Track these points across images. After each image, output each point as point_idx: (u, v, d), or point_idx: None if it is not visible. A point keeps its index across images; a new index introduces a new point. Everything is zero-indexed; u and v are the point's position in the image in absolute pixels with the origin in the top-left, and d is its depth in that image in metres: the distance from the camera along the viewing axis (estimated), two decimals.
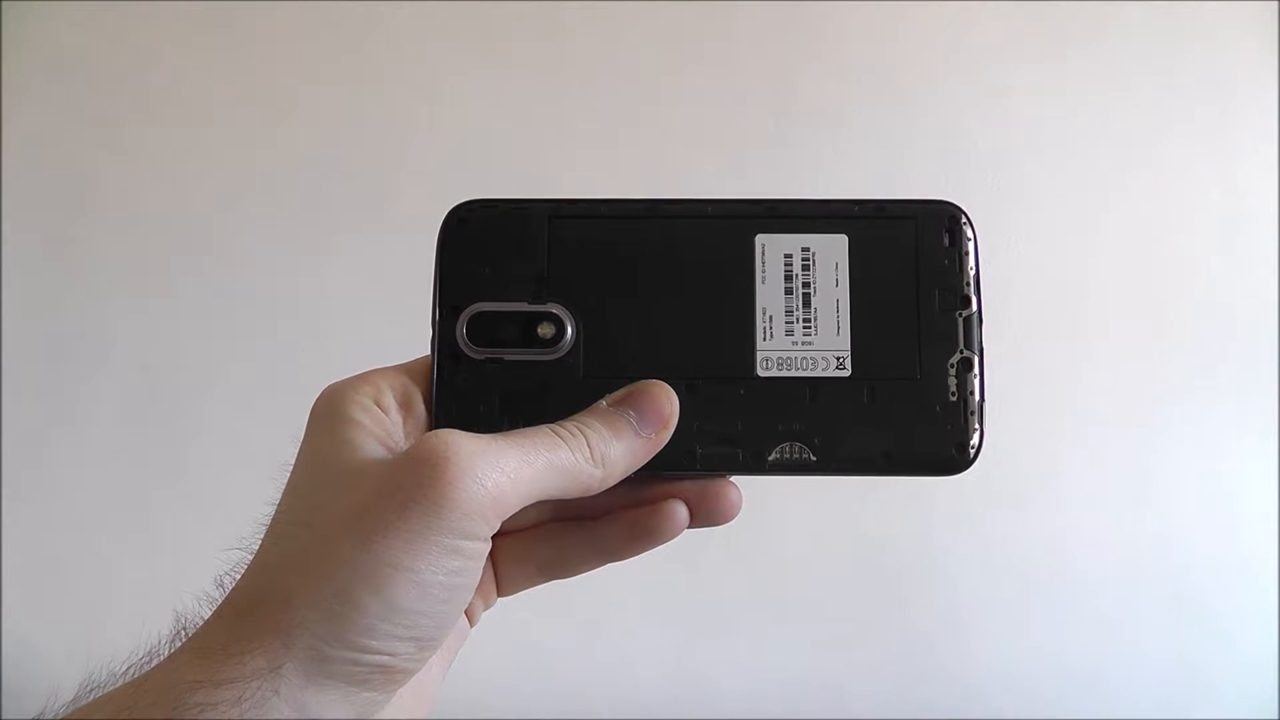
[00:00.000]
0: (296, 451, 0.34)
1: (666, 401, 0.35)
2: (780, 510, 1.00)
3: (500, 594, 0.39)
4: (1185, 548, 1.00)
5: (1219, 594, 1.00)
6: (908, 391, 0.36)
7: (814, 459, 0.36)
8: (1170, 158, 1.05)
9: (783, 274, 0.37)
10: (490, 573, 0.38)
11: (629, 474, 0.34)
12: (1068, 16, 1.06)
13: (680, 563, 1.00)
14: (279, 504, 0.33)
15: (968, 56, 1.07)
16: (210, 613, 0.31)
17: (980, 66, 1.07)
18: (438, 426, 0.35)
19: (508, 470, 0.31)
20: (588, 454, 0.33)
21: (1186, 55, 1.06)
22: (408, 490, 0.30)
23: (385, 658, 0.30)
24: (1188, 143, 1.05)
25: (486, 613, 0.39)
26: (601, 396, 0.35)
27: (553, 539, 0.38)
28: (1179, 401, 1.02)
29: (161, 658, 0.31)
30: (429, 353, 0.37)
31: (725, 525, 0.37)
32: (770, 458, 0.36)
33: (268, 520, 0.32)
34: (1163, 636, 1.00)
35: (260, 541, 0.32)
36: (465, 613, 0.38)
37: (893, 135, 1.06)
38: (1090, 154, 1.05)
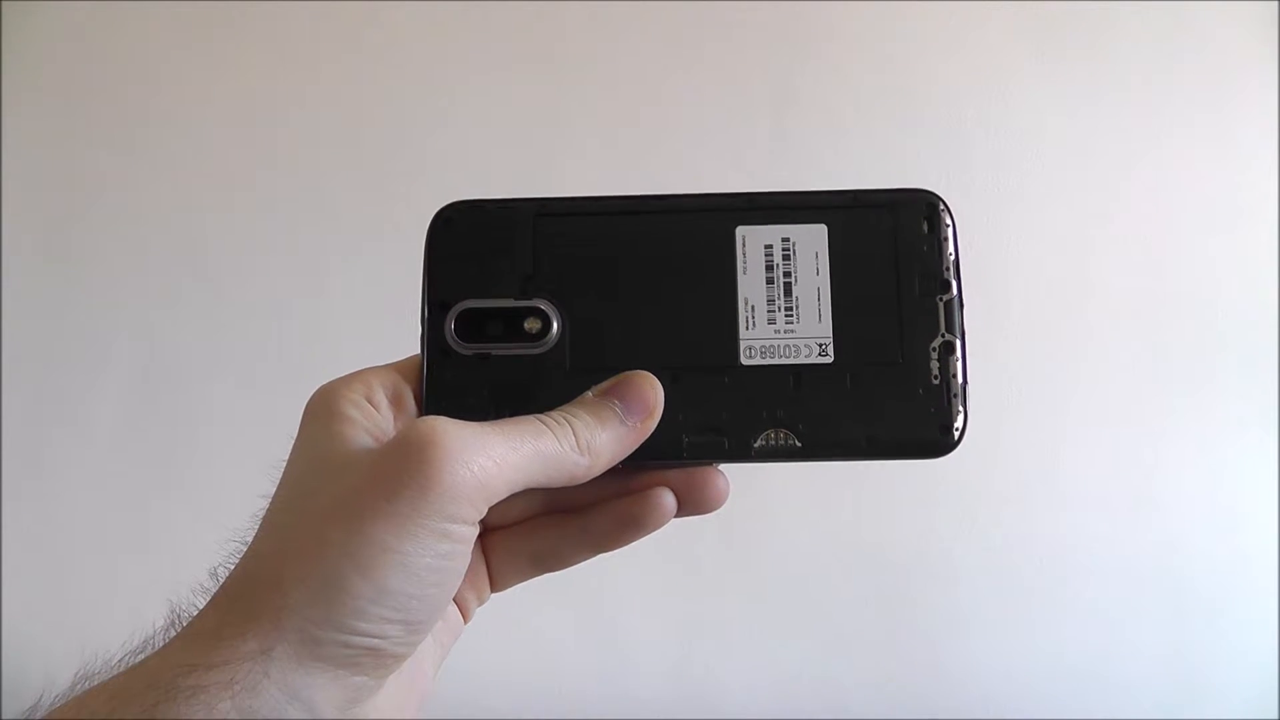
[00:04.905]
0: (290, 448, 0.34)
1: (651, 390, 0.35)
2: (780, 509, 1.00)
3: (494, 589, 0.39)
4: (1186, 547, 1.00)
5: (1219, 593, 1.00)
6: (890, 376, 0.37)
7: (799, 445, 0.36)
8: (1170, 157, 1.05)
9: (764, 264, 0.38)
10: (483, 567, 0.39)
11: (616, 463, 0.35)
12: (1068, 16, 1.06)
13: (680, 562, 1.01)
14: (272, 497, 0.33)
15: (968, 56, 1.07)
16: (204, 602, 0.32)
17: (980, 66, 1.07)
18: None
19: (494, 456, 0.31)
20: (574, 442, 0.33)
21: (1186, 55, 1.06)
22: (395, 474, 0.30)
23: (375, 640, 0.30)
24: (1188, 142, 1.05)
25: (481, 609, 0.40)
26: (588, 388, 0.35)
27: (543, 531, 0.38)
28: (1179, 401, 1.02)
29: (156, 647, 0.31)
30: (419, 350, 0.37)
31: (722, 521, 0.38)
32: (756, 445, 0.36)
33: (262, 513, 0.33)
34: (1163, 636, 1.00)
35: (254, 533, 0.33)
36: (459, 607, 0.38)
37: (893, 135, 1.06)
38: (1090, 154, 1.05)
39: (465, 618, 0.39)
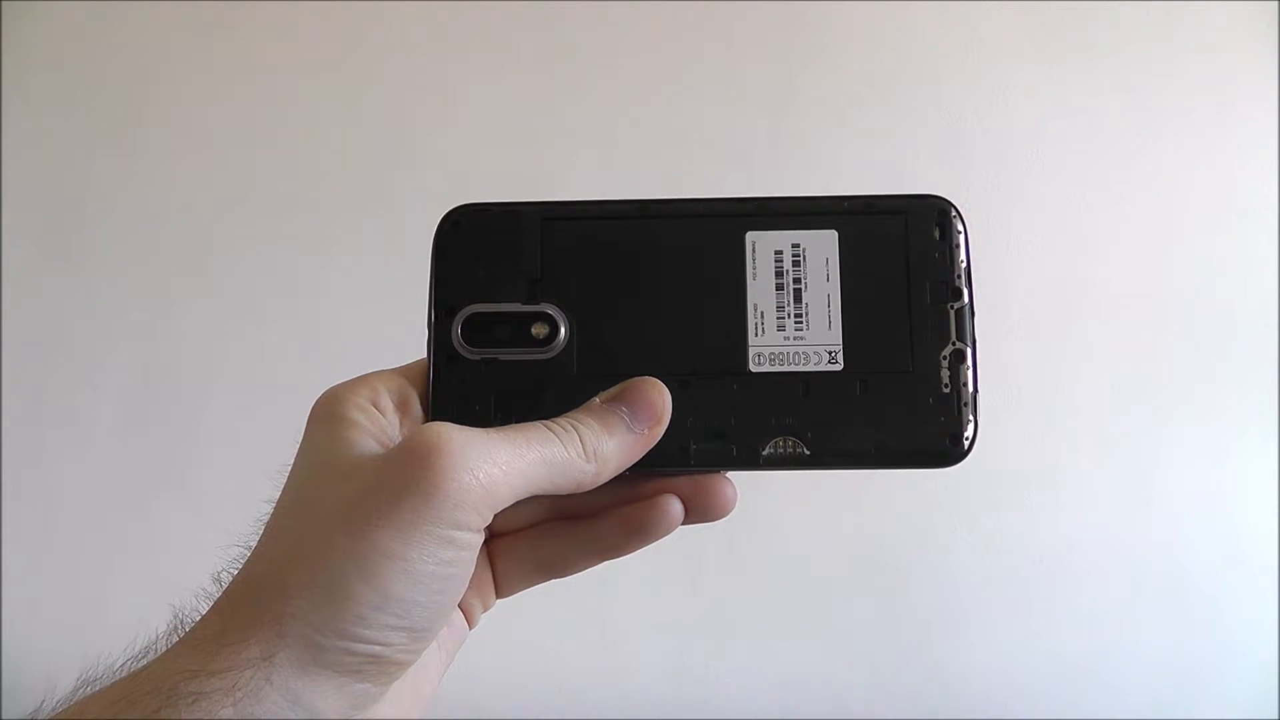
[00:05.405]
0: (295, 452, 0.34)
1: (659, 397, 0.35)
2: (781, 510, 1.00)
3: (499, 595, 0.39)
4: (1185, 547, 1.00)
5: (1219, 594, 1.00)
6: (900, 384, 0.36)
7: (807, 453, 0.36)
8: (1170, 157, 1.05)
9: (773, 270, 0.37)
10: (488, 574, 0.39)
11: (623, 470, 0.34)
12: (1068, 16, 1.06)
13: (681, 563, 1.00)
14: (277, 502, 0.33)
15: (968, 56, 1.07)
16: (207, 607, 0.31)
17: (980, 66, 1.07)
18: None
19: (500, 462, 0.31)
20: (580, 449, 0.33)
21: (1186, 55, 1.06)
22: (400, 480, 0.30)
23: (378, 648, 0.30)
24: (1188, 143, 1.05)
25: (485, 615, 0.39)
26: (595, 394, 0.35)
27: (549, 538, 0.38)
28: (1179, 402, 1.02)
29: (158, 652, 0.31)
30: (426, 355, 0.37)
31: (722, 522, 0.37)
32: (764, 452, 0.36)
33: (266, 518, 0.33)
34: (1163, 636, 1.00)
35: (257, 538, 0.32)
36: (464, 614, 0.38)
37: (893, 135, 1.06)
38: (1090, 154, 1.05)
39: (470, 624, 0.39)
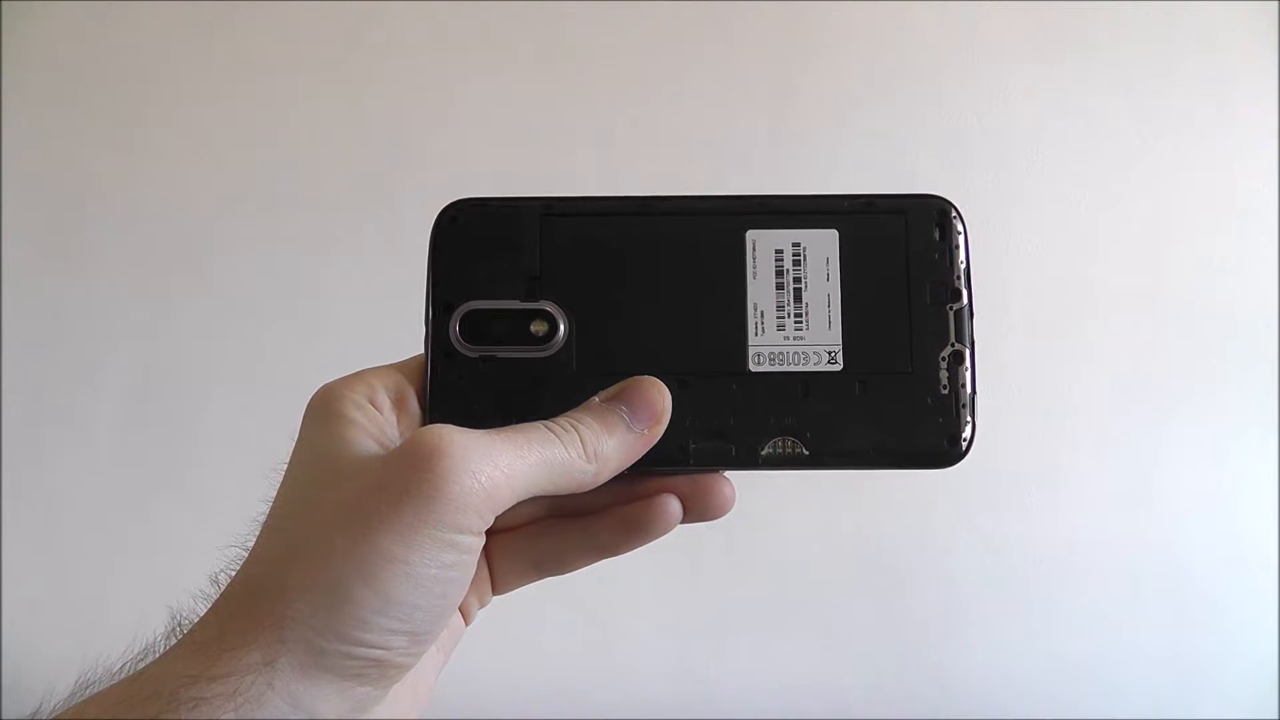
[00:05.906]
0: (292, 450, 0.34)
1: (659, 397, 0.35)
2: (781, 511, 1.00)
3: (495, 592, 0.39)
4: (1185, 548, 1.00)
5: (1219, 593, 1.00)
6: (899, 385, 0.36)
7: (806, 453, 0.36)
8: (1170, 157, 1.05)
9: (774, 269, 0.37)
10: (485, 570, 0.38)
11: (622, 470, 0.34)
12: (1068, 16, 1.06)
13: (681, 564, 1.00)
14: (274, 501, 0.33)
15: (968, 56, 1.07)
16: (206, 608, 0.31)
17: (980, 66, 1.07)
18: (432, 423, 0.35)
19: (501, 465, 0.31)
20: (581, 450, 0.33)
21: (1186, 55, 1.06)
22: (401, 483, 0.30)
23: (379, 651, 0.30)
24: (1188, 143, 1.05)
25: (482, 611, 0.39)
26: (594, 393, 0.35)
27: (547, 536, 0.38)
28: (1179, 402, 1.02)
29: (157, 654, 0.30)
30: (423, 351, 0.37)
31: (724, 522, 0.37)
32: (763, 452, 0.36)
33: (263, 518, 0.33)
34: (1163, 636, 1.00)
35: (255, 538, 0.32)
36: (461, 612, 0.38)
37: (893, 135, 1.06)
38: (1090, 154, 1.05)
39: (467, 621, 0.39)
